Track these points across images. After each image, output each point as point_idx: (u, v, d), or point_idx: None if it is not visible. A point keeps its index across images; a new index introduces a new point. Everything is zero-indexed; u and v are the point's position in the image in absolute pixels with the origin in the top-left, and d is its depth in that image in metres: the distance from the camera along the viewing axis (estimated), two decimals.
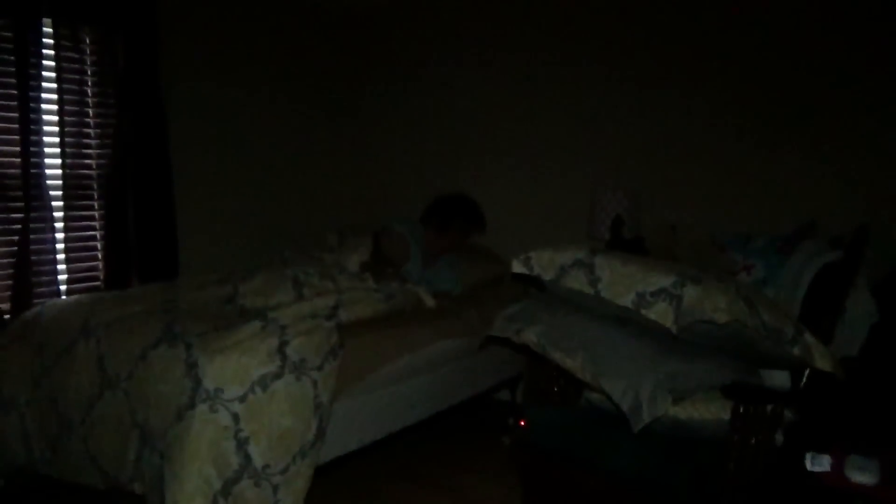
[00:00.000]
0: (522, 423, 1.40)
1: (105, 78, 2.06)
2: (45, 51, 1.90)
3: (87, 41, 2.02)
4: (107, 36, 2.03)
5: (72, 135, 2.01)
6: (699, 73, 1.99)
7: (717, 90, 1.97)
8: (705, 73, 1.98)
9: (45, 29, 1.90)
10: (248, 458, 1.30)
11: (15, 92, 1.84)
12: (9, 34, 1.83)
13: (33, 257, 1.92)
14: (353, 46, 2.77)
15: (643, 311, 1.18)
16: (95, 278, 2.12)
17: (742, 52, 1.91)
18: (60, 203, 2.02)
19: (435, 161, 2.61)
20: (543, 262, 1.37)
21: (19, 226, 1.89)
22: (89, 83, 2.04)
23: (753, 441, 1.17)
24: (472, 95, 2.50)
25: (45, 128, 1.94)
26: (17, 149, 1.88)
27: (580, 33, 2.21)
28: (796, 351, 1.16)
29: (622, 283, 1.23)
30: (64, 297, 1.98)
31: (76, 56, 2.00)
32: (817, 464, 1.11)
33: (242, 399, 1.32)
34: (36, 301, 1.90)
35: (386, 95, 2.73)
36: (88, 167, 2.09)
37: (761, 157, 1.90)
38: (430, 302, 1.87)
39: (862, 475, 1.07)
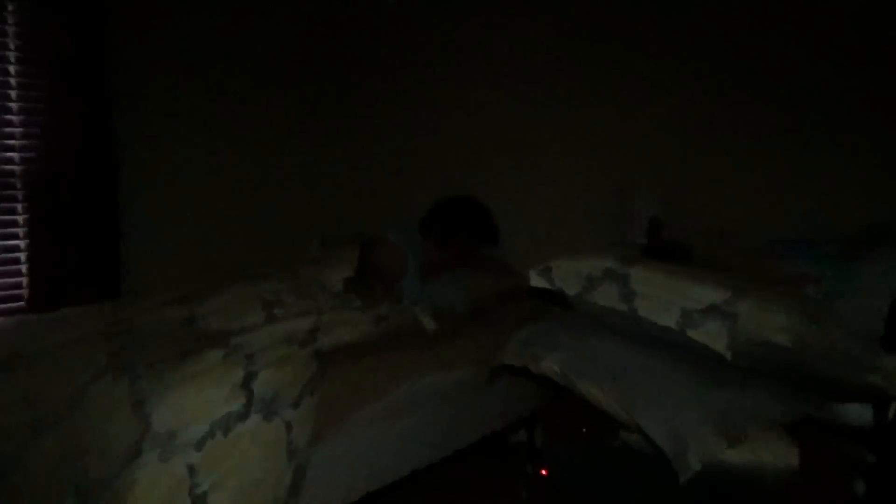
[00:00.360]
0: (544, 472, 1.41)
1: (33, 56, 2.04)
2: None
3: (9, 9, 2.00)
4: (36, 5, 2.02)
5: None
6: (746, 53, 1.99)
7: (769, 73, 1.97)
8: (754, 52, 1.98)
9: None
10: None
11: None
12: None
13: None
14: (338, 28, 2.81)
15: (690, 333, 1.19)
16: (17, 298, 2.09)
17: (802, 27, 1.92)
18: None
19: (435, 157, 2.64)
20: (566, 274, 1.38)
21: None
22: (12, 60, 2.01)
23: (826, 490, 1.18)
24: (479, 82, 2.53)
25: None
26: None
27: (604, 13, 2.24)
28: (878, 379, 1.16)
29: (663, 298, 1.24)
30: None
31: None
32: None
33: (200, 445, 1.31)
34: None
35: (377, 82, 2.77)
36: (10, 161, 2.05)
37: (825, 150, 1.91)
38: (429, 324, 1.88)
39: None
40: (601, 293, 1.33)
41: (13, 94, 2.02)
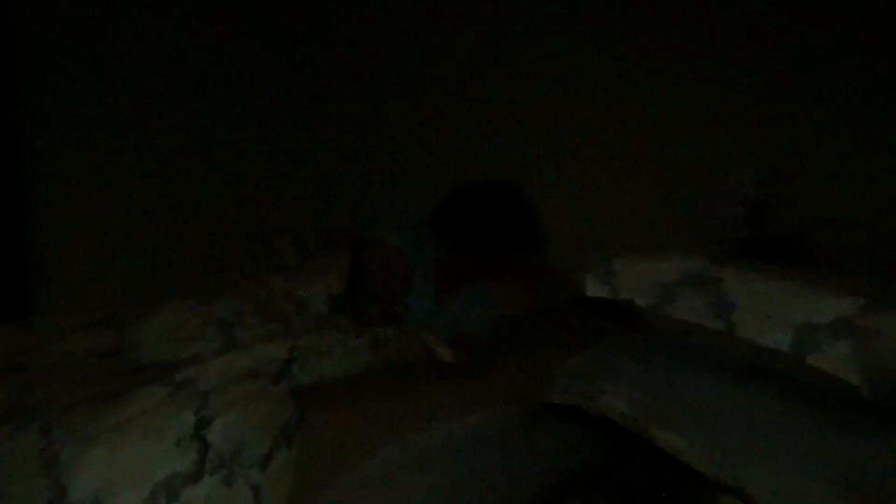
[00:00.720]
0: None
1: None
2: None
3: None
4: None
5: None
6: None
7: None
8: None
9: None
10: None
11: None
12: None
13: None
14: None
15: (809, 358, 1.19)
16: None
17: None
18: None
19: (454, 125, 2.64)
20: (635, 279, 1.40)
21: None
22: None
23: None
24: (515, 16, 2.52)
25: None
26: None
27: None
28: None
29: (771, 310, 1.25)
30: None
31: None
32: None
33: None
34: None
35: (367, 27, 2.82)
36: None
37: None
38: (444, 353, 1.87)
39: None
40: (683, 305, 1.34)
41: None
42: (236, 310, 1.78)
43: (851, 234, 1.78)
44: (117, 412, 1.41)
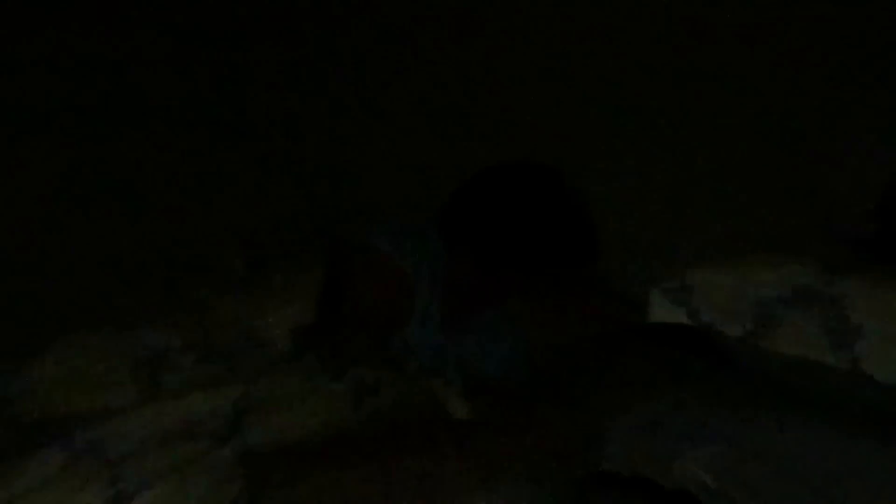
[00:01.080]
0: None
1: None
2: None
3: None
4: None
5: None
6: None
7: None
8: None
9: None
10: None
11: None
12: None
13: None
14: None
15: None
16: None
17: None
18: None
19: (466, 82, 2.63)
20: (720, 296, 1.40)
21: None
22: None
23: None
24: None
25: None
26: None
27: None
28: None
29: None
30: None
31: None
32: None
33: None
34: None
35: None
36: None
37: None
38: (458, 405, 1.85)
39: None
40: (789, 332, 1.34)
41: None
42: (162, 345, 1.77)
43: None
44: None
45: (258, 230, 2.46)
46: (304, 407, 1.70)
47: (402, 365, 1.96)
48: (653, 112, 2.42)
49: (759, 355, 1.40)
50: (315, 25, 2.94)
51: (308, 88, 2.94)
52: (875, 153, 2.00)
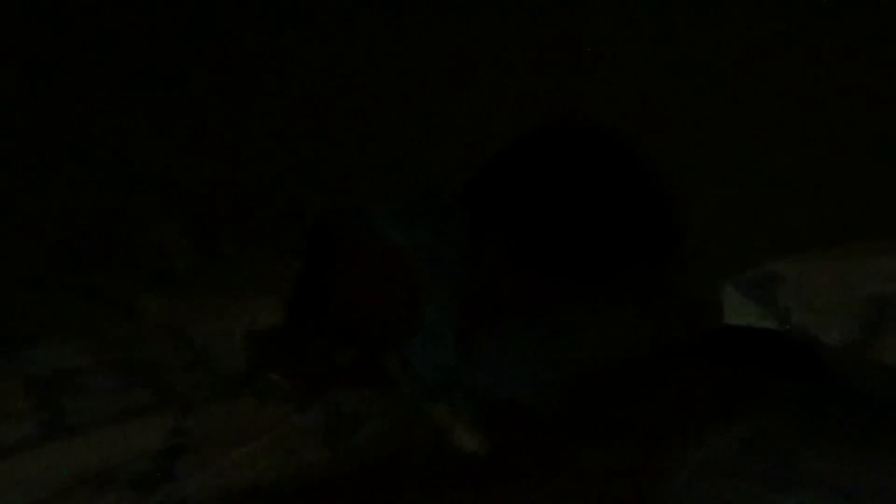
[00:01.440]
0: None
1: None
2: None
3: None
4: None
5: None
6: None
7: None
8: None
9: None
10: None
11: None
12: None
13: None
14: None
15: None
16: None
17: None
18: None
19: (495, 22, 2.40)
20: (818, 292, 1.31)
21: None
22: None
23: None
24: None
25: None
26: None
27: None
28: None
29: None
30: None
31: None
32: None
33: None
34: None
35: None
36: None
37: None
38: (468, 440, 1.70)
39: None
40: None
41: None
42: (68, 363, 1.63)
43: None
44: None
45: (208, 209, 2.31)
46: (260, 443, 1.53)
47: (395, 387, 1.80)
48: (734, 80, 2.23)
49: (868, 369, 1.34)
50: None
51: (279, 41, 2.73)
52: None
